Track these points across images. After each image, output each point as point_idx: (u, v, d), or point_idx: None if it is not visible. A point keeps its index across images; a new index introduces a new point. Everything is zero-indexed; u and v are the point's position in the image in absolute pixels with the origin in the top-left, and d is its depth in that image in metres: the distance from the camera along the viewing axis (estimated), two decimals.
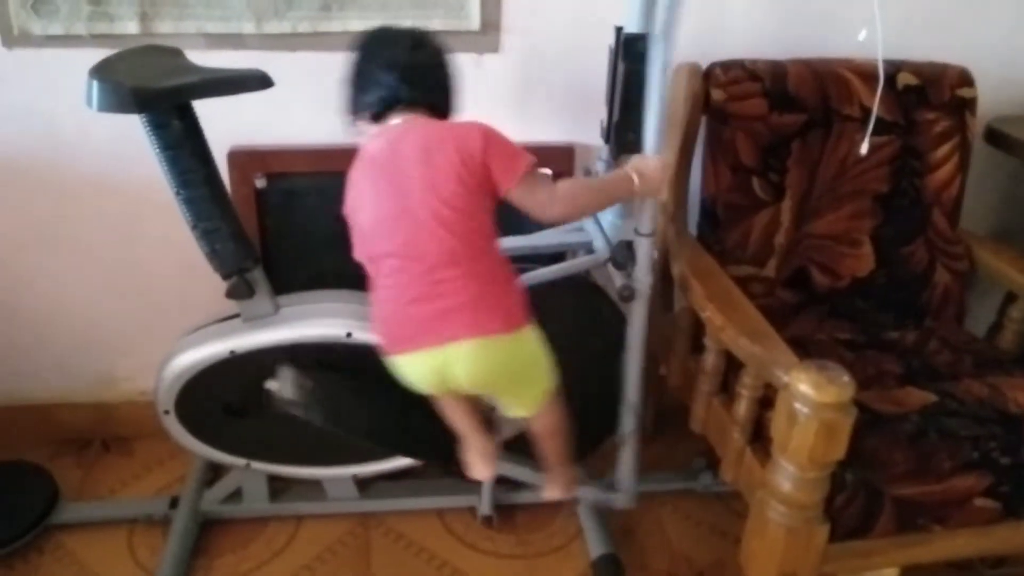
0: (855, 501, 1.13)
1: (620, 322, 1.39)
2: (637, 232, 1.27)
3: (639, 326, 1.36)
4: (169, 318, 1.51)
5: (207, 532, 1.57)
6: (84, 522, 1.58)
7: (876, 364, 1.40)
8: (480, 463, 1.35)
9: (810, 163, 1.50)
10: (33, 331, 1.71)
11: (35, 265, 1.64)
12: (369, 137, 1.18)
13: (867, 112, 1.46)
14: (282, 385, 1.33)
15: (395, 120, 1.16)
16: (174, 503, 1.58)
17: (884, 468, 1.15)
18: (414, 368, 1.16)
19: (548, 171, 1.50)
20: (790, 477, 1.10)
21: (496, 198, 1.12)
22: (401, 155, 1.11)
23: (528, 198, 1.12)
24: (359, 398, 1.38)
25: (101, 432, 1.81)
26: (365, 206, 1.14)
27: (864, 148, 1.43)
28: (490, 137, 1.10)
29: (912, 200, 1.55)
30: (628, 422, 1.46)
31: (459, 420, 1.32)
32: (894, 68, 1.49)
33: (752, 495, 1.22)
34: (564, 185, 1.15)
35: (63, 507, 1.59)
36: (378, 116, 1.17)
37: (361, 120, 1.20)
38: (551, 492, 1.40)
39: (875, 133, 1.46)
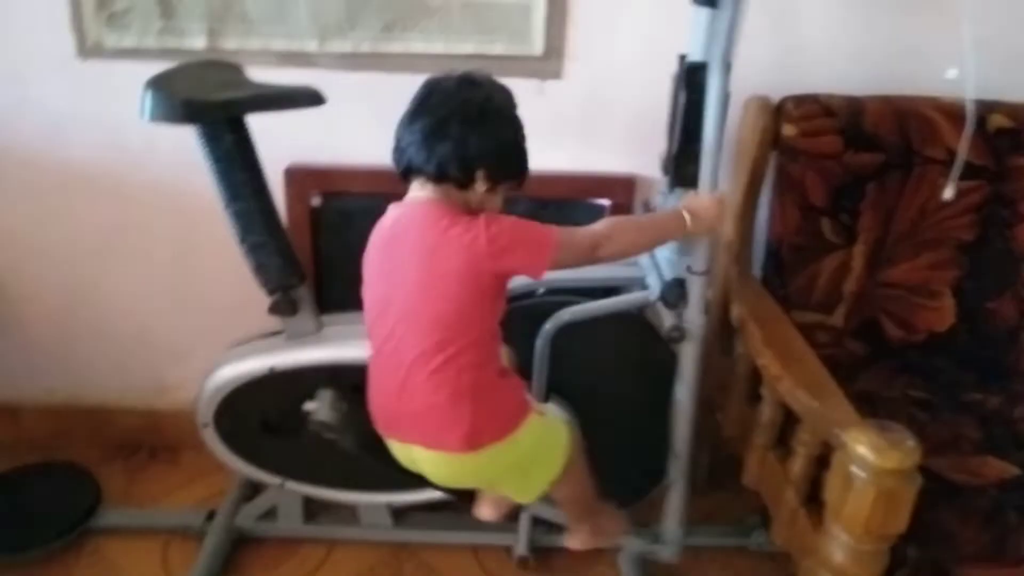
0: None
1: (673, 365, 1.32)
2: (690, 270, 1.20)
3: (690, 369, 1.29)
4: (222, 330, 1.51)
5: (241, 549, 1.55)
6: (123, 528, 1.59)
7: (953, 428, 1.29)
8: (487, 504, 1.30)
9: (886, 207, 1.40)
10: (92, 335, 1.74)
11: (97, 271, 1.67)
12: (392, 205, 1.12)
13: (952, 155, 1.36)
14: (319, 407, 1.31)
15: (414, 190, 1.08)
16: (211, 516, 1.57)
17: (953, 546, 1.05)
18: (392, 449, 1.16)
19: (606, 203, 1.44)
20: (843, 547, 1.00)
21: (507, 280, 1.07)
22: (403, 244, 1.06)
23: (568, 262, 1.07)
24: None
25: (149, 440, 1.82)
26: (370, 279, 1.12)
27: (949, 193, 1.34)
28: (501, 242, 1.01)
29: (1000, 251, 1.43)
30: (675, 470, 1.37)
31: None
32: (985, 109, 1.39)
33: (802, 562, 1.12)
34: (609, 223, 1.09)
35: (104, 512, 1.60)
36: (403, 178, 1.10)
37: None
38: (572, 542, 1.33)
39: (961, 178, 1.36)
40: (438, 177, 1.04)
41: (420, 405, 1.05)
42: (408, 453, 1.13)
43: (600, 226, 1.09)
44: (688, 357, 1.26)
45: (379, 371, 1.11)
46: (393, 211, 1.11)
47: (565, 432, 1.18)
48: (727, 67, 1.12)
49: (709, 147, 1.14)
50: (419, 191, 1.07)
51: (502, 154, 1.06)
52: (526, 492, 1.18)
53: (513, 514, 1.38)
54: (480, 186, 1.05)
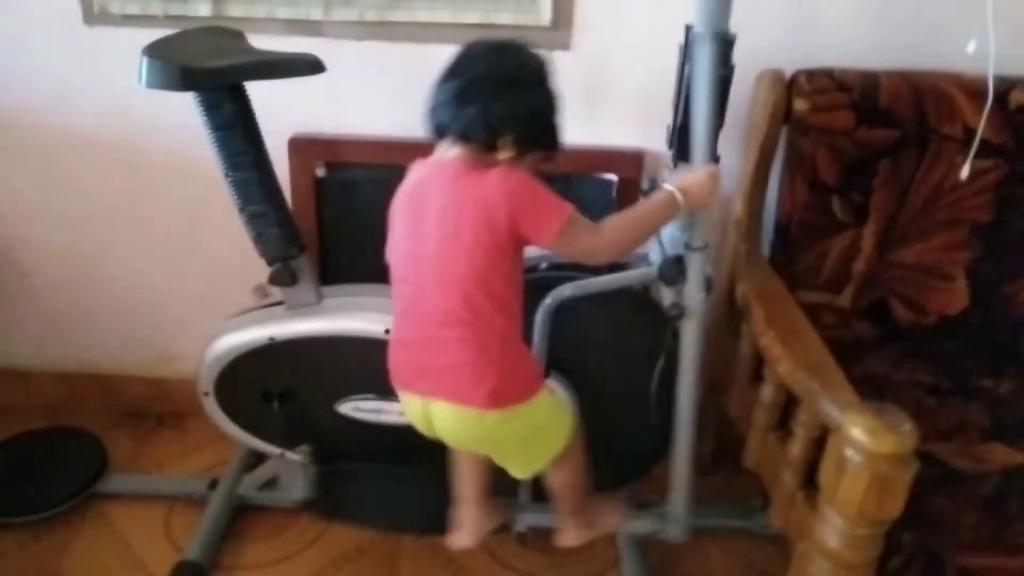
0: (912, 566, 1.01)
1: (673, 342, 1.30)
2: (688, 246, 1.17)
3: (691, 347, 1.26)
4: (227, 299, 1.51)
5: (242, 517, 1.57)
6: (127, 494, 1.61)
7: (960, 413, 1.26)
8: (464, 533, 1.33)
9: (899, 185, 1.36)
10: (102, 303, 1.76)
11: (106, 239, 1.68)
12: (418, 162, 1.13)
13: (971, 133, 1.32)
14: None
15: (442, 148, 1.09)
16: (213, 484, 1.58)
17: (950, 533, 1.02)
18: (406, 406, 1.16)
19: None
20: (837, 531, 0.99)
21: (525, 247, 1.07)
22: (429, 199, 1.07)
23: (569, 248, 1.07)
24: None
25: (157, 407, 1.84)
26: (396, 236, 1.13)
27: (965, 172, 1.30)
28: (516, 196, 1.01)
29: (1017, 234, 1.39)
30: (680, 448, 1.35)
31: (463, 478, 1.30)
32: (1007, 85, 1.34)
33: (798, 545, 1.11)
34: (607, 226, 1.07)
35: (110, 477, 1.63)
36: (437, 136, 1.10)
37: None
38: (562, 539, 1.33)
39: (979, 156, 1.31)
40: (464, 138, 1.04)
41: (449, 360, 1.07)
42: (425, 409, 1.12)
43: (600, 227, 1.07)
44: (689, 335, 1.24)
45: (406, 326, 1.13)
46: (418, 169, 1.12)
47: (570, 415, 1.21)
48: (719, 38, 1.09)
49: (700, 121, 1.11)
50: (447, 151, 1.08)
51: (529, 122, 1.06)
52: (528, 464, 1.19)
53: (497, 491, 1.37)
54: (505, 152, 1.05)
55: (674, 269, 1.17)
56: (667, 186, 1.09)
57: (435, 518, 1.37)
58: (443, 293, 1.05)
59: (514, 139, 1.04)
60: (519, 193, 1.02)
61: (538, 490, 1.44)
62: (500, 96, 1.03)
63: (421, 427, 1.17)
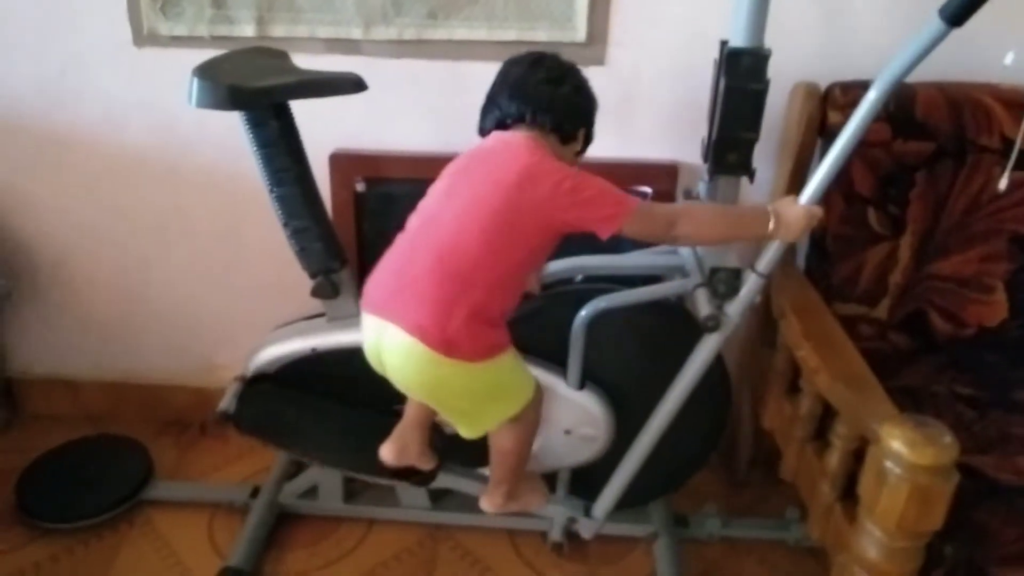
0: None
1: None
2: (754, 269, 1.17)
3: (706, 357, 1.23)
4: (269, 311, 1.56)
5: (283, 525, 1.60)
6: (172, 501, 1.65)
7: (1001, 426, 1.25)
8: (391, 445, 1.31)
9: (936, 197, 1.36)
10: (147, 314, 1.81)
11: (152, 253, 1.73)
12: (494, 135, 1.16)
13: (1009, 143, 1.31)
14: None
15: (499, 135, 1.13)
16: (255, 492, 1.62)
17: (992, 545, 1.02)
18: (365, 330, 1.13)
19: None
20: (877, 544, 0.99)
21: (562, 235, 1.09)
22: (489, 158, 1.10)
23: (642, 233, 1.08)
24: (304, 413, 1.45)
25: (200, 416, 1.88)
26: (435, 186, 1.14)
27: (1003, 183, 1.29)
28: (583, 189, 1.04)
29: None
30: (635, 453, 1.35)
31: (411, 405, 1.30)
32: None
33: (836, 557, 1.11)
34: (696, 209, 1.09)
35: (155, 484, 1.67)
36: (483, 131, 1.16)
37: None
38: (485, 502, 1.31)
39: (1017, 167, 1.30)
40: (553, 126, 1.11)
41: (419, 290, 1.05)
42: (379, 337, 1.10)
43: (680, 205, 1.08)
44: (710, 345, 1.23)
45: (399, 250, 1.12)
46: (479, 145, 1.14)
47: (532, 387, 1.18)
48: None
49: (827, 166, 1.10)
50: (517, 134, 1.11)
51: (592, 126, 1.18)
52: (473, 424, 1.17)
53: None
54: (576, 145, 1.15)
55: (731, 282, 1.17)
56: (768, 206, 1.10)
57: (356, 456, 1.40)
58: (450, 239, 1.05)
59: (584, 133, 1.16)
60: (588, 192, 1.05)
61: (575, 484, 1.46)
62: (582, 95, 1.15)
63: (371, 357, 1.14)
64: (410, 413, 1.31)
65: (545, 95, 1.11)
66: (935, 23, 0.98)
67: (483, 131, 1.16)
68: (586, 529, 1.46)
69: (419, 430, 1.32)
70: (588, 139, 1.18)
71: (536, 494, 1.36)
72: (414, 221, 1.13)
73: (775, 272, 1.39)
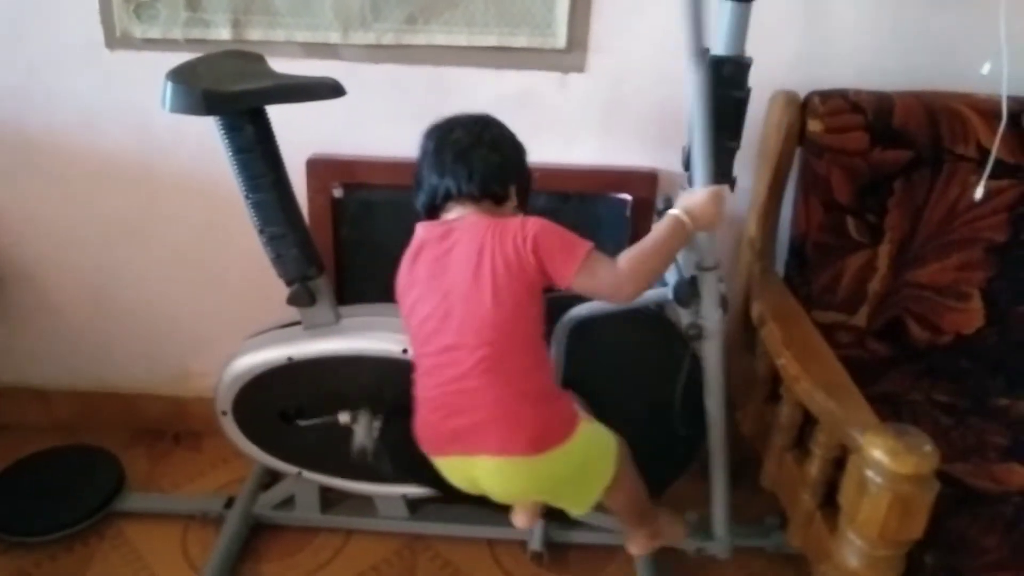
0: None
1: (691, 361, 1.31)
2: (699, 267, 1.18)
3: (715, 365, 1.26)
4: (245, 319, 1.53)
5: (258, 536, 1.57)
6: (144, 512, 1.61)
7: (978, 434, 1.25)
8: (521, 513, 1.32)
9: (914, 205, 1.37)
10: (120, 321, 1.77)
11: (124, 258, 1.70)
12: (424, 227, 1.16)
13: (985, 153, 1.33)
14: (357, 431, 1.35)
15: (451, 214, 1.14)
16: (229, 503, 1.59)
17: (972, 554, 1.02)
18: (445, 470, 1.15)
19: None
20: (857, 553, 0.99)
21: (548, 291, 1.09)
22: (452, 256, 1.09)
23: (591, 284, 1.08)
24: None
25: (174, 425, 1.85)
26: (417, 296, 1.12)
27: (979, 192, 1.31)
28: (542, 236, 1.06)
29: None
30: (717, 467, 1.36)
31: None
32: (1020, 106, 1.34)
33: (817, 566, 1.10)
34: (623, 261, 1.08)
35: (127, 496, 1.63)
36: (433, 212, 1.16)
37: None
38: (632, 547, 1.34)
39: (993, 176, 1.33)
40: (481, 194, 1.12)
41: (486, 414, 1.06)
42: (468, 469, 1.11)
43: (617, 262, 1.08)
44: (711, 353, 1.24)
45: (434, 386, 1.10)
46: (432, 229, 1.14)
47: (613, 439, 1.18)
48: (704, 56, 1.11)
49: (700, 142, 1.12)
50: (455, 213, 1.14)
51: (524, 173, 1.19)
52: (581, 501, 1.18)
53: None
54: (511, 202, 1.16)
55: (688, 290, 1.18)
56: (672, 211, 1.10)
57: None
58: (474, 341, 1.05)
59: (517, 188, 1.16)
60: (545, 233, 1.06)
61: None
62: (501, 153, 1.14)
63: (464, 487, 1.15)
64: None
65: (462, 166, 1.12)
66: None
67: (432, 210, 1.16)
68: (720, 551, 1.46)
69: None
70: (525, 190, 1.19)
71: (675, 526, 1.38)
72: (428, 348, 1.11)
73: (754, 279, 1.41)
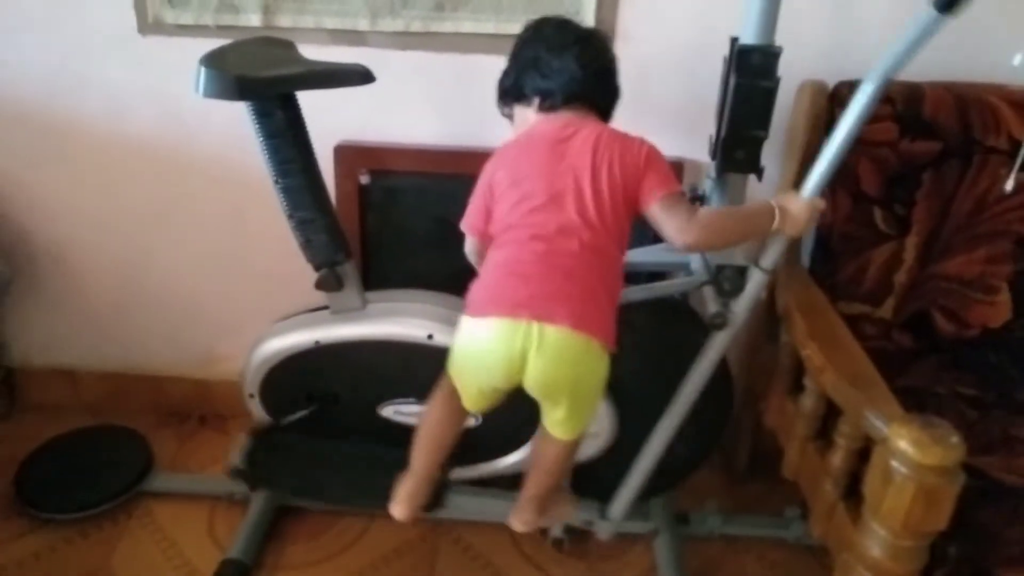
0: None
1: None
2: (757, 264, 1.17)
3: (716, 354, 1.24)
4: (271, 303, 1.55)
5: (283, 518, 1.59)
6: (172, 492, 1.64)
7: (1004, 427, 1.25)
8: (402, 501, 1.25)
9: (943, 197, 1.36)
10: (149, 304, 1.80)
11: (153, 242, 1.72)
12: (535, 120, 1.18)
13: (1016, 144, 1.31)
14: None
15: (567, 113, 1.17)
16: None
17: (996, 546, 1.02)
18: (492, 335, 1.06)
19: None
20: (881, 543, 0.99)
21: (635, 217, 1.11)
22: (571, 145, 1.11)
23: (668, 215, 1.09)
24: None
25: (200, 407, 1.88)
26: (521, 177, 1.11)
27: (1010, 185, 1.30)
28: (653, 154, 1.12)
29: None
30: (648, 453, 1.36)
31: (422, 452, 1.23)
32: None
33: (839, 555, 1.11)
34: (705, 211, 1.10)
35: (155, 476, 1.66)
36: (551, 106, 1.18)
37: (523, 105, 1.21)
38: (516, 521, 1.28)
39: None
40: (598, 102, 1.20)
41: (580, 289, 1.06)
42: (524, 338, 1.03)
43: (698, 210, 1.10)
44: (719, 342, 1.23)
45: (530, 254, 1.07)
46: (548, 123, 1.16)
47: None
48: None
49: (829, 156, 1.10)
50: (570, 114, 1.17)
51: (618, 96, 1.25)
52: (580, 421, 1.15)
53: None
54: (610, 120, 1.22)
55: (736, 280, 1.17)
56: (772, 201, 1.10)
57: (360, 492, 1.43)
58: (585, 226, 1.07)
59: (614, 108, 1.23)
60: (657, 153, 1.13)
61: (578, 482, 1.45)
62: (616, 72, 1.22)
63: (505, 361, 1.05)
64: (418, 464, 1.24)
65: (613, 85, 1.21)
66: (928, 12, 0.98)
67: (552, 105, 1.18)
68: (603, 531, 1.46)
69: (425, 479, 1.25)
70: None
71: (566, 504, 1.35)
72: (525, 218, 1.09)
73: (779, 269, 1.40)
